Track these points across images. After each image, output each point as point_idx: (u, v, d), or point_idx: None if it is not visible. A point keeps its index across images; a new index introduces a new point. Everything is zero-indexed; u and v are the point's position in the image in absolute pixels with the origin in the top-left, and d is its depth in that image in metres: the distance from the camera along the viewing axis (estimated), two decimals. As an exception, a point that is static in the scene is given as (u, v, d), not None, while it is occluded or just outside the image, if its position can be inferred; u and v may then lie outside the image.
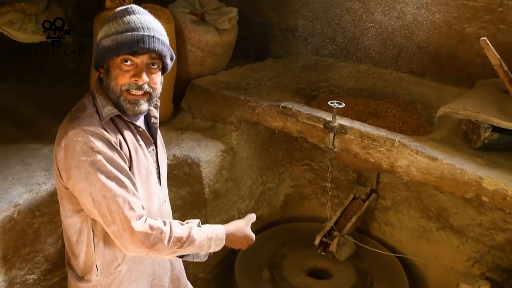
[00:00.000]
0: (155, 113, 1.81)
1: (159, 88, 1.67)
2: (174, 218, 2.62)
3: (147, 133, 1.75)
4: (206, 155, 2.80)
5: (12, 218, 2.12)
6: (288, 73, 3.35)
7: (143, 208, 1.60)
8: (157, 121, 1.83)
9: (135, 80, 1.57)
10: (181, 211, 2.85)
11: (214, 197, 2.91)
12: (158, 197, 1.80)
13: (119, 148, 1.59)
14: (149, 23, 1.57)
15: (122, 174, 1.55)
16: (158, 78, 1.65)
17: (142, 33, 1.53)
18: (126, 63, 1.56)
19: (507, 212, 2.16)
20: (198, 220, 1.73)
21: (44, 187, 2.30)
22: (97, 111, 1.59)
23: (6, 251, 2.11)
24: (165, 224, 1.61)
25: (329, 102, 2.46)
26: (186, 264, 2.18)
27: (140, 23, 1.55)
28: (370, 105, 2.99)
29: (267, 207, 3.46)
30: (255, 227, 3.33)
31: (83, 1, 4.02)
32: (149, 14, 1.64)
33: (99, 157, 1.51)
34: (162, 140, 1.92)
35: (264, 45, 4.01)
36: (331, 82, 3.27)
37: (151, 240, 1.55)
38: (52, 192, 2.29)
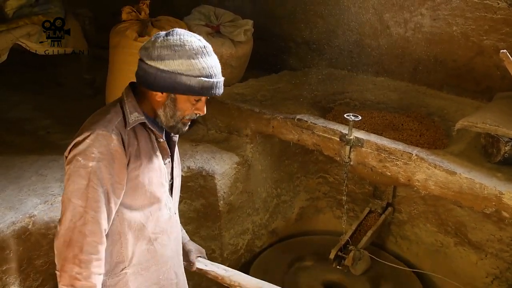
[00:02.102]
0: None
1: None
2: (188, 230, 2.62)
3: (166, 145, 1.79)
4: (221, 167, 2.79)
5: (27, 229, 2.12)
6: (304, 86, 3.33)
7: (97, 231, 1.59)
8: (177, 136, 1.88)
9: (198, 113, 1.71)
10: (195, 223, 2.84)
11: (228, 210, 2.89)
12: (169, 208, 1.84)
13: (124, 158, 1.62)
14: (219, 66, 1.68)
15: (102, 189, 1.57)
16: None
17: (217, 79, 1.65)
18: (197, 101, 1.68)
19: (528, 228, 2.12)
20: None
21: (59, 198, 2.31)
22: (123, 117, 1.65)
23: (21, 262, 2.11)
24: (97, 274, 1.60)
25: (345, 115, 2.43)
26: (191, 275, 2.17)
27: (216, 69, 1.66)
28: (387, 118, 2.96)
29: (282, 220, 3.43)
30: (269, 240, 3.33)
31: (99, 13, 4.07)
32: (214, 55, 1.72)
33: (92, 164, 1.54)
34: (178, 155, 1.96)
35: (280, 57, 4.00)
36: (346, 94, 3.25)
37: (68, 266, 1.55)
38: (67, 204, 2.29)
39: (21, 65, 4.12)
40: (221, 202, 2.81)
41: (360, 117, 2.42)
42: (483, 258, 2.87)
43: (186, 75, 1.59)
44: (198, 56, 1.61)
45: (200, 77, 1.59)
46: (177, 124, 1.70)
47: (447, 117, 2.88)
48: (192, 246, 2.14)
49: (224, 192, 2.81)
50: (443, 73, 3.14)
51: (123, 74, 2.80)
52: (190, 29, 3.09)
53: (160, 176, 1.76)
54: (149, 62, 1.62)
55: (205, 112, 1.71)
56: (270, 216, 3.30)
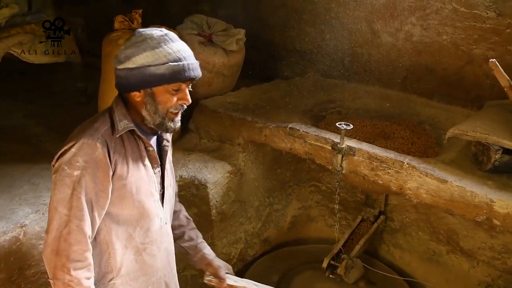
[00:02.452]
0: (168, 136, 1.85)
1: None
2: (180, 239, 2.61)
3: (156, 154, 1.77)
4: (213, 176, 2.79)
5: (18, 239, 2.11)
6: (296, 94, 3.35)
7: (82, 238, 1.59)
8: (169, 144, 1.86)
9: (183, 103, 1.66)
10: (188, 232, 2.82)
11: (221, 219, 2.88)
12: (160, 218, 1.81)
13: (108, 166, 1.61)
14: (189, 50, 1.67)
15: (85, 197, 1.57)
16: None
17: (191, 61, 1.63)
18: (176, 90, 1.64)
19: (519, 235, 2.13)
20: None
21: (50, 208, 2.29)
22: (111, 125, 1.64)
23: (12, 272, 2.09)
24: (87, 278, 1.60)
25: (337, 124, 2.45)
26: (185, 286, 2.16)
27: (185, 52, 1.63)
28: (378, 126, 2.98)
29: (274, 229, 3.43)
30: (261, 249, 3.32)
31: (91, 22, 4.08)
32: (181, 41, 1.71)
33: (77, 173, 1.55)
34: (171, 164, 1.94)
35: (272, 66, 4.02)
36: (338, 103, 3.26)
37: (58, 273, 1.55)
38: (59, 213, 2.27)
39: (13, 73, 4.11)
40: (214, 211, 2.80)
41: (351, 126, 2.44)
42: (475, 266, 2.89)
43: (154, 65, 1.59)
44: (162, 44, 1.61)
45: (168, 63, 1.58)
46: (164, 120, 1.66)
47: (438, 126, 2.91)
48: (220, 263, 2.11)
49: (217, 201, 2.81)
50: (433, 81, 3.16)
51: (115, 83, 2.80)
52: (182, 38, 3.07)
53: (149, 185, 1.74)
54: (119, 67, 1.63)
55: (189, 100, 1.66)
56: (262, 225, 3.30)
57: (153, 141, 1.79)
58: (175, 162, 2.78)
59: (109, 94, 2.82)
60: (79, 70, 3.71)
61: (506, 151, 2.22)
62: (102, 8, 5.00)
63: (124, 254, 1.71)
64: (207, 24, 3.34)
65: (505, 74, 2.22)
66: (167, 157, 1.86)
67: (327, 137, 2.61)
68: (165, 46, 1.60)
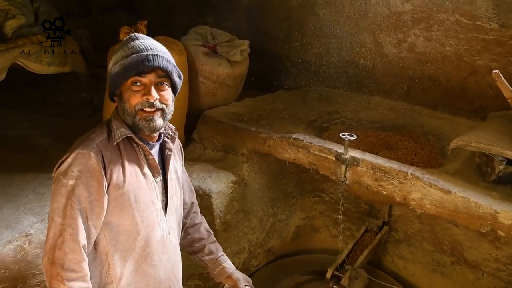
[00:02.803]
0: (170, 145, 1.83)
1: (171, 104, 1.71)
2: (184, 249, 2.61)
3: (156, 162, 1.76)
4: (217, 186, 2.79)
5: (23, 248, 2.12)
6: (299, 105, 3.36)
7: (77, 249, 1.59)
8: (171, 153, 1.84)
9: (147, 99, 1.63)
10: (192, 242, 2.83)
11: (224, 229, 2.88)
12: (162, 228, 1.78)
13: (103, 175, 1.61)
14: (152, 45, 1.66)
15: (79, 207, 1.58)
16: (168, 95, 1.69)
17: (146, 53, 1.61)
18: (135, 85, 1.63)
19: (524, 247, 2.13)
20: None
21: (55, 217, 2.30)
22: (108, 134, 1.66)
23: (16, 281, 2.10)
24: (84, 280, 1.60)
25: (340, 134, 2.45)
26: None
27: (143, 46, 1.63)
28: (382, 137, 2.99)
29: (278, 239, 3.43)
30: (265, 259, 3.31)
31: (97, 33, 4.12)
32: (151, 39, 1.72)
33: (71, 182, 1.56)
34: (179, 174, 1.91)
35: (276, 77, 4.04)
36: (342, 114, 3.28)
37: (54, 283, 1.56)
38: (63, 222, 2.29)
39: (20, 83, 4.15)
40: (218, 221, 2.81)
41: (355, 137, 2.44)
42: (480, 277, 2.87)
43: (113, 66, 1.64)
44: (123, 46, 1.65)
45: (121, 59, 1.61)
46: (134, 119, 1.64)
47: (442, 136, 2.91)
48: (240, 275, 2.11)
49: (221, 211, 2.81)
50: (437, 92, 3.17)
51: (120, 94, 2.82)
52: (187, 49, 3.13)
53: (149, 194, 1.72)
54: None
55: (153, 96, 1.62)
56: (266, 235, 3.30)
57: (155, 149, 1.78)
58: (179, 172, 2.80)
59: (114, 105, 2.84)
60: (84, 81, 3.74)
61: (510, 162, 2.22)
62: (107, 20, 5.05)
63: (124, 265, 1.69)
64: (212, 35, 3.37)
65: (508, 85, 2.22)
66: (172, 166, 1.84)
67: (331, 147, 2.61)
68: (125, 47, 1.64)
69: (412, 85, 3.29)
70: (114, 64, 1.64)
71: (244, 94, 3.57)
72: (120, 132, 1.65)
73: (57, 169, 1.61)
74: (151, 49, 1.63)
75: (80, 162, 1.57)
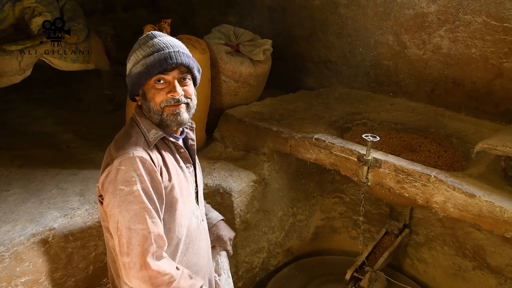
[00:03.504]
0: (192, 135, 1.89)
1: (194, 98, 1.75)
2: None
3: (188, 155, 1.81)
4: (238, 185, 2.80)
5: (46, 242, 2.15)
6: (321, 105, 3.34)
7: (164, 244, 1.62)
8: (194, 142, 1.90)
9: (172, 95, 1.66)
10: (211, 240, 2.84)
11: (244, 228, 2.89)
12: (196, 216, 1.84)
13: (159, 175, 1.63)
14: (171, 41, 1.68)
15: (153, 207, 1.59)
16: (192, 90, 1.74)
17: (168, 50, 1.63)
18: (159, 83, 1.66)
19: (549, 253, 2.08)
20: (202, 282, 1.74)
21: (78, 212, 2.34)
22: (142, 136, 1.67)
23: (40, 274, 2.13)
24: (177, 269, 1.64)
25: (363, 135, 2.43)
26: None
27: (164, 43, 1.65)
28: (404, 139, 2.96)
29: (297, 239, 3.42)
30: (284, 259, 3.31)
31: (120, 31, 4.15)
32: (168, 35, 1.74)
33: (136, 187, 1.56)
34: (198, 161, 1.97)
35: (297, 76, 4.03)
36: (364, 115, 3.25)
37: (158, 281, 1.57)
38: (86, 217, 2.32)
39: (43, 80, 4.21)
40: (238, 219, 2.81)
41: (378, 138, 2.42)
42: (502, 283, 2.83)
43: (134, 65, 1.64)
44: (142, 44, 1.66)
45: (143, 58, 1.61)
46: (161, 116, 1.67)
47: (466, 139, 2.87)
48: (224, 231, 2.18)
49: (241, 210, 2.81)
50: (461, 95, 3.13)
51: (143, 91, 2.84)
52: (210, 47, 3.14)
53: (188, 185, 1.78)
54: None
55: (177, 92, 1.65)
56: (285, 235, 3.29)
57: (181, 142, 1.82)
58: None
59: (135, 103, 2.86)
60: (107, 78, 3.78)
61: (536, 166, 2.18)
62: (130, 18, 5.10)
63: (174, 258, 1.74)
64: (234, 34, 3.38)
65: (536, 88, 2.19)
66: (195, 155, 1.90)
67: (353, 148, 2.59)
68: (144, 45, 1.65)
69: (435, 87, 3.25)
70: (135, 64, 1.64)
71: (265, 94, 3.56)
72: (153, 134, 1.67)
73: (107, 180, 1.59)
74: (171, 46, 1.66)
75: (136, 166, 1.58)
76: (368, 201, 3.33)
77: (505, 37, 2.82)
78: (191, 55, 1.73)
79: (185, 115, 1.70)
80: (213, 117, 3.23)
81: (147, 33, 1.71)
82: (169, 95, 1.65)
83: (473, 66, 3.02)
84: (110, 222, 1.62)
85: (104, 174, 1.61)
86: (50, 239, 2.16)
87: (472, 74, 3.04)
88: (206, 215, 2.11)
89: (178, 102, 1.66)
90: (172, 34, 3.03)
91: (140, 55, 1.64)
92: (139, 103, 1.74)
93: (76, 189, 2.59)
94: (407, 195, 2.44)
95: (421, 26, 3.18)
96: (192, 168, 1.84)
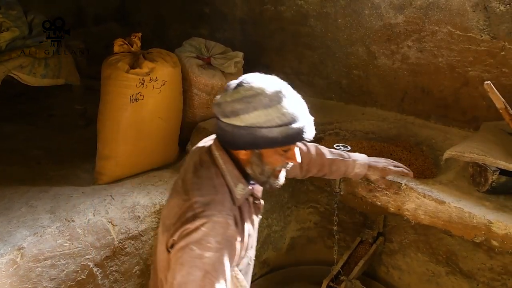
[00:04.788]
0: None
1: None
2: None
3: (260, 205, 1.77)
4: (211, 198, 2.78)
5: (15, 262, 2.10)
6: (293, 116, 3.36)
7: None
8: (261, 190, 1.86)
9: (291, 161, 1.61)
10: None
11: (219, 241, 2.87)
12: (250, 257, 1.81)
13: (238, 243, 1.56)
14: (305, 108, 1.57)
15: (219, 279, 1.46)
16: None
17: (306, 123, 1.54)
18: (286, 151, 1.57)
19: (518, 256, 2.13)
20: None
21: (48, 230, 2.31)
22: (228, 192, 1.58)
23: (8, 296, 2.08)
24: None
25: (334, 145, 2.46)
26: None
27: (299, 111, 1.53)
28: (376, 147, 2.99)
29: (273, 250, 3.41)
30: (260, 271, 3.30)
31: (91, 45, 4.12)
32: (293, 91, 1.60)
33: (208, 254, 1.45)
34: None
35: (270, 88, 4.04)
36: (336, 124, 3.28)
37: None
38: (56, 235, 2.28)
39: (13, 96, 4.14)
40: (212, 232, 2.79)
41: (349, 147, 2.45)
42: (474, 287, 2.87)
43: (266, 127, 1.48)
44: (275, 102, 1.49)
45: (281, 126, 1.47)
46: (269, 179, 1.60)
47: (436, 147, 2.92)
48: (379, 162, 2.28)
49: (215, 223, 2.80)
50: (430, 103, 3.19)
51: (115, 106, 2.82)
52: (181, 61, 3.14)
53: (254, 237, 1.75)
54: (224, 120, 1.53)
55: (299, 160, 1.60)
56: (261, 247, 3.28)
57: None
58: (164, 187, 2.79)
59: (108, 117, 2.85)
60: (78, 92, 3.73)
61: (503, 172, 2.23)
62: (101, 32, 5.05)
63: None
64: (206, 47, 3.38)
65: (499, 96, 2.24)
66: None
67: (325, 158, 2.61)
68: (279, 105, 1.49)
69: (405, 96, 3.31)
70: (268, 127, 1.48)
71: (238, 106, 3.56)
72: (240, 189, 1.59)
73: (183, 237, 1.49)
74: (307, 115, 1.56)
75: (218, 232, 1.48)
76: (343, 210, 3.35)
77: (470, 46, 2.89)
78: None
79: (283, 178, 1.66)
80: (186, 131, 3.22)
81: (277, 88, 1.52)
82: (287, 161, 1.60)
83: (440, 75, 3.09)
84: (169, 273, 1.53)
85: (182, 230, 1.50)
86: (19, 259, 2.11)
87: (439, 83, 3.11)
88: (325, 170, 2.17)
89: (287, 167, 1.63)
90: (144, 47, 3.04)
91: (276, 118, 1.48)
92: (242, 157, 1.59)
93: (46, 206, 2.54)
94: (379, 203, 2.47)
95: (389, 36, 3.24)
96: (260, 215, 1.80)
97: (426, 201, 2.30)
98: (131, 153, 2.86)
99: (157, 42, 3.96)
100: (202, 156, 1.68)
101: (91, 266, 2.39)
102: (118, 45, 2.93)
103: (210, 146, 1.68)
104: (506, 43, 2.75)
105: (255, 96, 1.49)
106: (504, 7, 2.70)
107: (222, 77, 3.26)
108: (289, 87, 1.59)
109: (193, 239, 1.46)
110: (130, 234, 2.55)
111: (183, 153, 3.21)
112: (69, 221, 2.41)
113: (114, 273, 2.52)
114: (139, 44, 2.95)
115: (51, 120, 3.99)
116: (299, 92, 1.65)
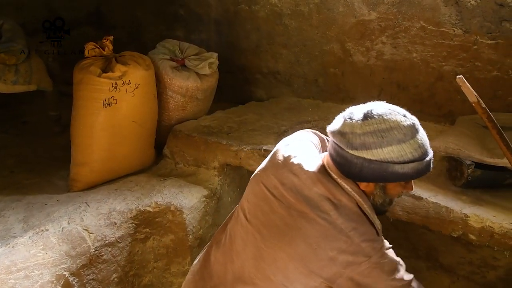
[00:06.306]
0: None
1: None
2: (158, 267, 2.57)
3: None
4: (189, 201, 2.75)
5: (-14, 275, 2.04)
6: (270, 116, 3.35)
7: None
8: None
9: (407, 191, 1.64)
10: (165, 259, 2.78)
11: (198, 244, 2.83)
12: None
13: None
14: (427, 140, 1.57)
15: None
16: None
17: (429, 157, 1.54)
18: (407, 182, 1.60)
19: (495, 249, 2.13)
20: None
21: (21, 240, 2.25)
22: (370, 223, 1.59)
23: (-21, 310, 2.02)
24: None
25: (311, 144, 2.44)
26: None
27: (427, 145, 1.54)
28: (353, 145, 2.98)
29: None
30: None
31: (66, 50, 4.05)
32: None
33: (399, 276, 1.55)
34: None
35: (246, 88, 4.03)
36: (313, 123, 3.27)
37: None
38: (29, 245, 2.23)
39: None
40: (191, 236, 2.76)
41: (326, 146, 2.43)
42: (455, 281, 2.88)
43: (399, 163, 1.46)
44: (408, 138, 1.46)
45: (413, 161, 1.47)
46: (385, 208, 1.64)
47: (412, 142, 2.92)
48: None
49: (193, 226, 2.77)
50: (406, 98, 3.20)
51: (87, 111, 2.77)
52: (155, 63, 3.09)
53: None
54: (351, 152, 1.49)
55: (413, 189, 1.63)
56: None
57: None
58: (150, 188, 2.77)
59: (81, 122, 2.80)
60: (51, 98, 3.66)
61: (478, 165, 2.24)
62: (75, 36, 4.97)
63: None
64: (180, 49, 3.34)
65: (472, 90, 2.24)
66: None
67: (302, 157, 2.59)
68: (412, 140, 1.47)
69: (381, 92, 3.32)
70: (401, 163, 1.46)
71: (216, 107, 3.54)
72: (378, 224, 1.61)
73: (372, 273, 1.52)
74: (429, 146, 1.56)
75: (394, 257, 1.60)
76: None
77: (443, 41, 2.90)
78: None
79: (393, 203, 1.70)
80: (162, 134, 3.18)
81: (413, 122, 1.51)
82: (404, 191, 1.63)
83: (415, 71, 3.10)
84: None
85: (363, 268, 1.51)
86: (-11, 271, 2.05)
87: (414, 78, 3.12)
88: None
89: None
90: (119, 50, 2.99)
91: (409, 153, 1.47)
92: (365, 188, 1.59)
93: (19, 216, 2.48)
94: (357, 201, 2.46)
95: (363, 33, 3.25)
96: None
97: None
98: (106, 159, 2.82)
99: (133, 45, 3.91)
100: (330, 188, 1.59)
101: (67, 275, 2.33)
102: (90, 49, 2.88)
103: (329, 174, 1.62)
104: (478, 37, 2.77)
105: (390, 130, 1.46)
106: (475, 1, 2.72)
107: (197, 78, 3.23)
108: (416, 119, 1.58)
109: (387, 273, 1.53)
110: (107, 241, 2.50)
111: (160, 156, 3.17)
112: (42, 230, 2.35)
113: (91, 281, 2.46)
114: (111, 47, 2.90)
115: (25, 128, 3.91)
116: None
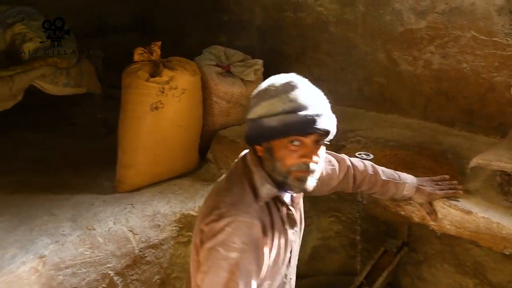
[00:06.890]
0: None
1: (322, 163, 1.60)
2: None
3: (296, 217, 1.69)
4: (232, 206, 2.75)
5: (37, 270, 2.11)
6: (314, 123, 3.32)
7: None
8: (300, 201, 1.77)
9: (305, 161, 1.48)
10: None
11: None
12: (284, 275, 1.73)
13: (266, 246, 1.51)
14: (315, 98, 1.51)
15: (244, 281, 1.42)
16: (323, 154, 1.57)
17: (312, 113, 1.44)
18: (294, 143, 1.47)
19: (549, 268, 2.05)
20: None
21: (69, 238, 2.31)
22: (252, 190, 1.53)
23: (29, 304, 2.08)
24: None
25: (357, 154, 2.42)
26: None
27: (308, 101, 1.46)
28: (399, 155, 2.93)
29: (294, 260, 3.37)
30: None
31: (111, 54, 4.15)
32: (311, 85, 1.56)
33: (233, 255, 1.41)
34: (302, 217, 1.84)
35: (290, 95, 4.02)
36: (357, 132, 3.23)
37: None
38: (77, 243, 2.28)
39: (36, 105, 4.18)
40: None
41: (372, 156, 2.40)
42: (505, 299, 2.78)
43: (267, 117, 1.45)
44: (280, 93, 1.46)
45: (281, 114, 1.43)
46: (285, 179, 1.50)
47: (461, 154, 2.85)
48: (427, 187, 2.24)
49: (236, 231, 2.77)
50: (454, 110, 3.12)
51: (135, 114, 2.83)
52: (201, 69, 3.13)
53: (287, 250, 1.66)
54: (247, 117, 1.54)
55: (314, 160, 1.48)
56: (282, 256, 3.24)
57: (288, 197, 1.68)
58: (194, 192, 2.79)
59: (129, 126, 2.85)
60: (99, 101, 3.76)
61: (532, 180, 2.16)
62: (120, 41, 5.10)
63: None
64: (225, 55, 3.38)
65: (528, 102, 2.18)
66: (299, 206, 1.76)
67: (347, 166, 2.56)
68: (283, 95, 1.45)
69: (428, 102, 3.25)
70: (270, 116, 1.44)
71: (258, 113, 3.54)
72: (267, 189, 1.53)
73: (209, 239, 1.45)
74: (316, 105, 1.47)
75: (243, 232, 1.43)
76: (365, 219, 3.28)
77: (495, 51, 2.82)
78: (334, 116, 1.57)
79: (310, 182, 1.52)
80: (206, 139, 3.21)
81: (288, 79, 1.50)
82: (302, 160, 1.47)
83: (464, 81, 3.02)
84: (198, 274, 1.50)
85: (209, 228, 1.47)
86: (40, 267, 2.11)
87: (464, 89, 3.04)
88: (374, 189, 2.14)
89: (308, 169, 1.49)
90: (164, 56, 3.04)
91: (278, 107, 1.44)
92: (259, 154, 1.55)
93: (67, 214, 2.55)
94: (403, 213, 2.42)
95: (411, 42, 3.19)
96: (297, 228, 1.71)
97: (452, 211, 2.24)
98: (151, 162, 2.86)
99: (177, 51, 3.97)
100: (239, 159, 1.68)
101: (111, 274, 2.38)
102: (138, 54, 2.95)
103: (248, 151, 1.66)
104: (533, 48, 2.68)
105: (266, 89, 1.52)
106: (531, 11, 2.64)
107: (242, 85, 3.25)
108: (305, 80, 1.55)
109: (219, 240, 1.43)
110: (151, 243, 2.54)
111: (203, 161, 3.20)
112: (90, 229, 2.41)
113: (134, 282, 2.50)
114: (159, 52, 2.96)
115: (73, 129, 4.02)
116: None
